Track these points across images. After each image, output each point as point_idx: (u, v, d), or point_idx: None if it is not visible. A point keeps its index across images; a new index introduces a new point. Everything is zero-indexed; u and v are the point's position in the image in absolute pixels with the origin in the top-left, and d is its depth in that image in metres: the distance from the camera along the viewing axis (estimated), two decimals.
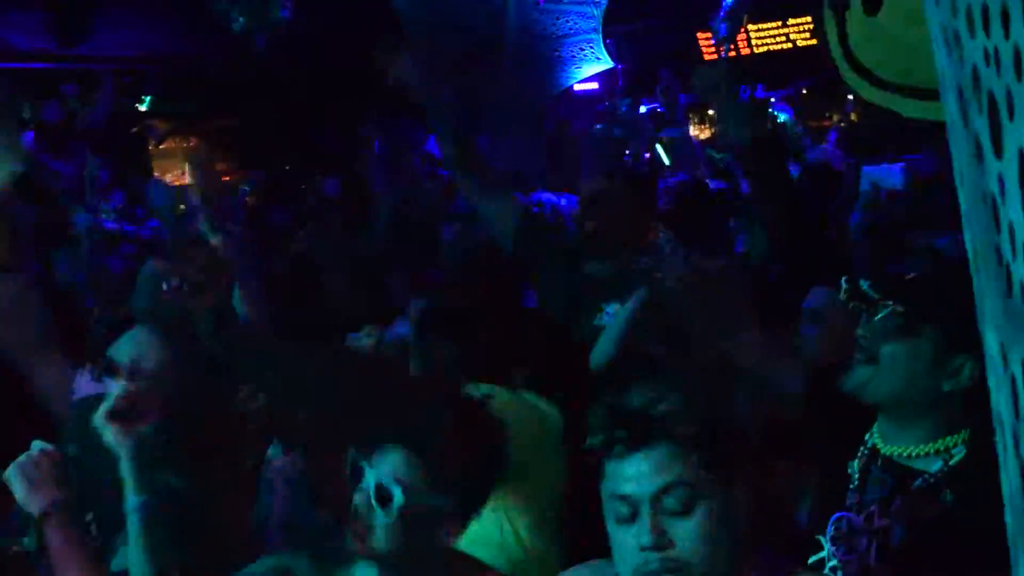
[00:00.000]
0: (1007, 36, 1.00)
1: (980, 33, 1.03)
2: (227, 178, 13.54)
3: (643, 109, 11.58)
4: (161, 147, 13.73)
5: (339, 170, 8.38)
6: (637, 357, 2.83)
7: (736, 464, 1.70)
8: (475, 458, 1.91)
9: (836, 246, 3.74)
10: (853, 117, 12.70)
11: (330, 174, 8.62)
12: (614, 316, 3.25)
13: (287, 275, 4.89)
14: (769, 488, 1.94)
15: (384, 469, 1.85)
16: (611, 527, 1.68)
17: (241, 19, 7.61)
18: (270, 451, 3.31)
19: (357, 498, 1.88)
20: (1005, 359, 1.08)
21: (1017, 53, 0.99)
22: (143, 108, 13.11)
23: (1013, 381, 1.07)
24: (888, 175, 5.03)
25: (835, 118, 13.66)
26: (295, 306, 4.52)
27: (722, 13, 10.26)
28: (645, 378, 2.75)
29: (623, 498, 1.63)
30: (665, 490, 1.59)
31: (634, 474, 1.62)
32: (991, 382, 1.17)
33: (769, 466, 2.36)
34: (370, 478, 1.86)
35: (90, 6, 10.97)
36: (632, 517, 1.60)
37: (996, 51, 1.02)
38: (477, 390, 2.31)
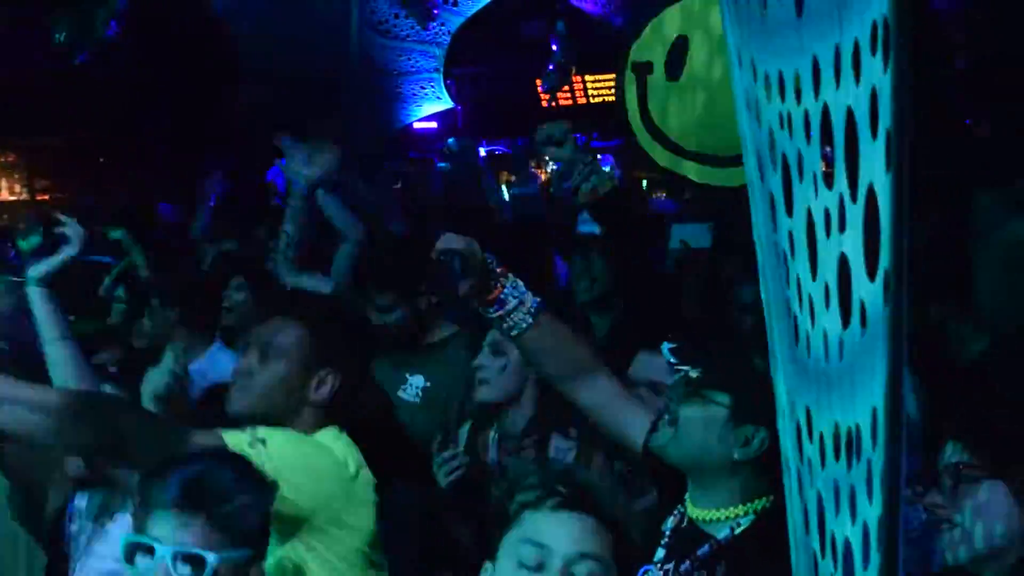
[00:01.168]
0: (799, 102, 1.08)
1: (776, 98, 1.11)
2: (45, 197, 12.96)
3: (483, 152, 11.76)
4: None
5: (174, 197, 8.13)
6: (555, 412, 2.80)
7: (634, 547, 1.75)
8: (240, 511, 1.83)
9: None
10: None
11: (165, 200, 8.35)
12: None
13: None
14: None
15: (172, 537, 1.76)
16: (508, 568, 1.67)
17: (62, 33, 7.31)
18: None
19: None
20: (791, 405, 1.15)
21: (807, 118, 1.06)
22: None
23: (798, 427, 1.13)
24: (699, 233, 5.21)
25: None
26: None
27: (551, 65, 10.59)
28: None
29: (539, 546, 1.62)
30: (582, 557, 1.61)
31: (559, 531, 1.63)
32: (780, 426, 1.23)
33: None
34: (165, 553, 1.75)
35: None
36: (539, 567, 1.61)
37: (789, 116, 1.09)
38: (254, 433, 2.24)
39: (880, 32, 0.96)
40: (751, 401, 2.01)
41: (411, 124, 11.04)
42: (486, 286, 2.22)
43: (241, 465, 1.96)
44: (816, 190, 1.05)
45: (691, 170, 4.23)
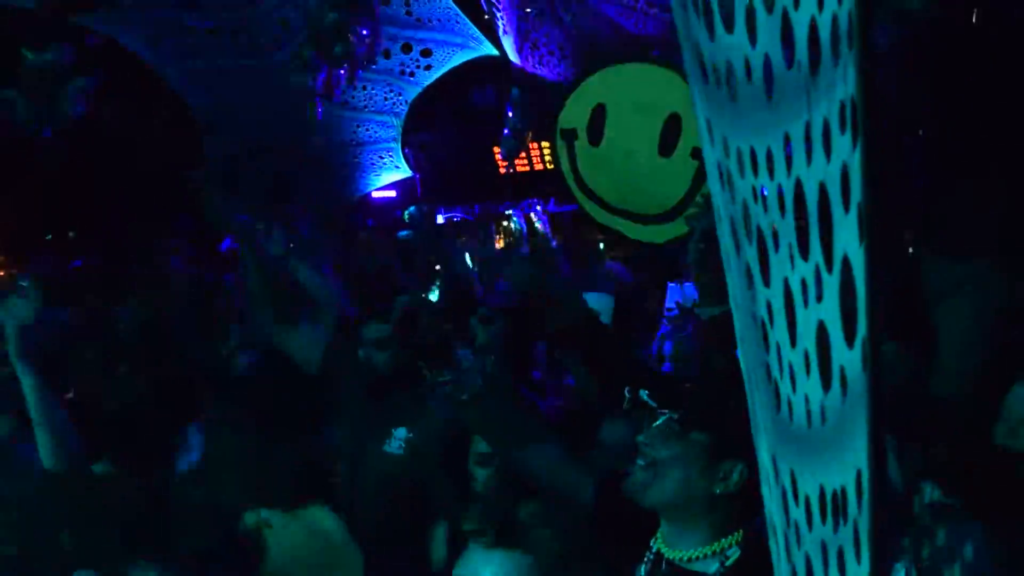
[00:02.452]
0: (772, 177, 1.12)
1: (749, 173, 1.15)
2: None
3: (440, 219, 11.83)
4: None
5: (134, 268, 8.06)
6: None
7: None
8: None
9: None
10: None
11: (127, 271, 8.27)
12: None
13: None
14: None
15: None
16: None
17: (30, 111, 7.32)
18: None
19: None
20: (776, 469, 1.18)
21: (780, 193, 1.11)
22: None
23: (783, 491, 1.16)
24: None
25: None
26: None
27: (506, 131, 10.75)
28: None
29: None
30: None
31: (494, 568, 1.68)
32: (764, 490, 1.26)
33: None
34: None
35: None
36: None
37: (762, 190, 1.14)
38: (255, 515, 2.27)
39: (848, 111, 1.01)
40: (729, 436, 2.07)
41: (370, 193, 11.10)
42: (441, 350, 2.28)
43: None
44: (792, 261, 1.09)
45: (623, 227, 4.45)
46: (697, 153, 4.23)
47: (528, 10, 9.23)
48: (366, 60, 7.59)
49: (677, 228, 4.21)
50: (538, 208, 8.92)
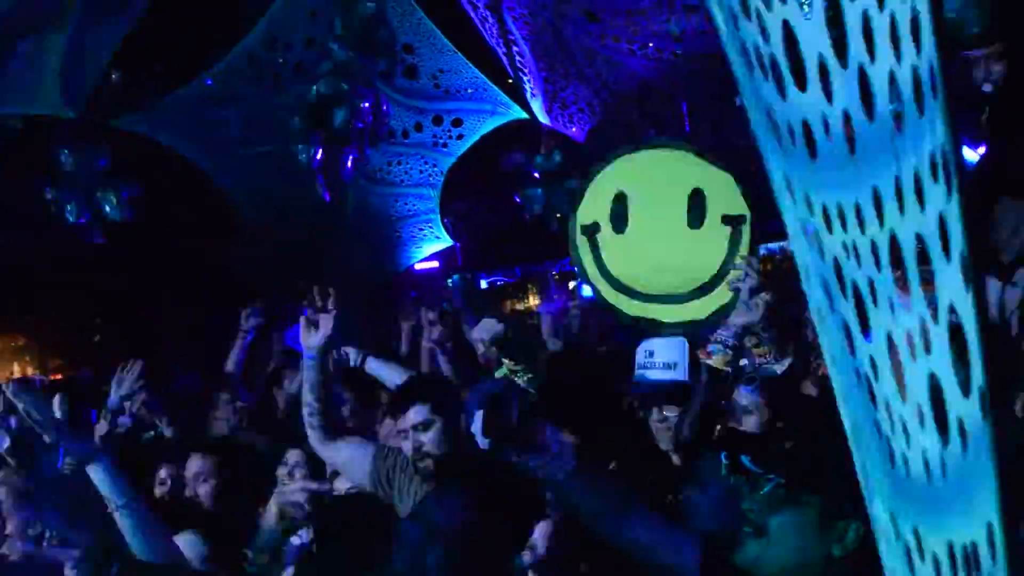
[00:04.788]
0: (863, 232, 1.11)
1: (839, 229, 1.14)
2: (58, 376, 12.98)
3: (484, 284, 11.91)
4: None
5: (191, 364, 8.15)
6: None
7: None
8: None
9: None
10: None
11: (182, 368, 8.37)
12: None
13: None
14: None
15: None
16: None
17: (81, 216, 7.52)
18: None
19: None
20: (896, 527, 1.15)
21: (874, 247, 1.10)
22: None
23: (907, 548, 1.13)
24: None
25: None
26: None
27: (532, 191, 10.80)
28: None
29: None
30: None
31: None
32: (882, 548, 1.23)
33: None
34: None
35: None
36: None
37: (855, 245, 1.13)
38: None
39: (940, 161, 1.01)
40: (840, 495, 2.00)
41: (413, 266, 11.19)
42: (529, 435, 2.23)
43: None
44: (894, 314, 1.08)
45: (659, 313, 4.37)
46: (728, 219, 4.19)
47: (554, 71, 9.35)
48: (375, 133, 7.66)
49: (720, 298, 4.16)
50: None
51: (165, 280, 11.66)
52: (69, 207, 7.64)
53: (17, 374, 13.65)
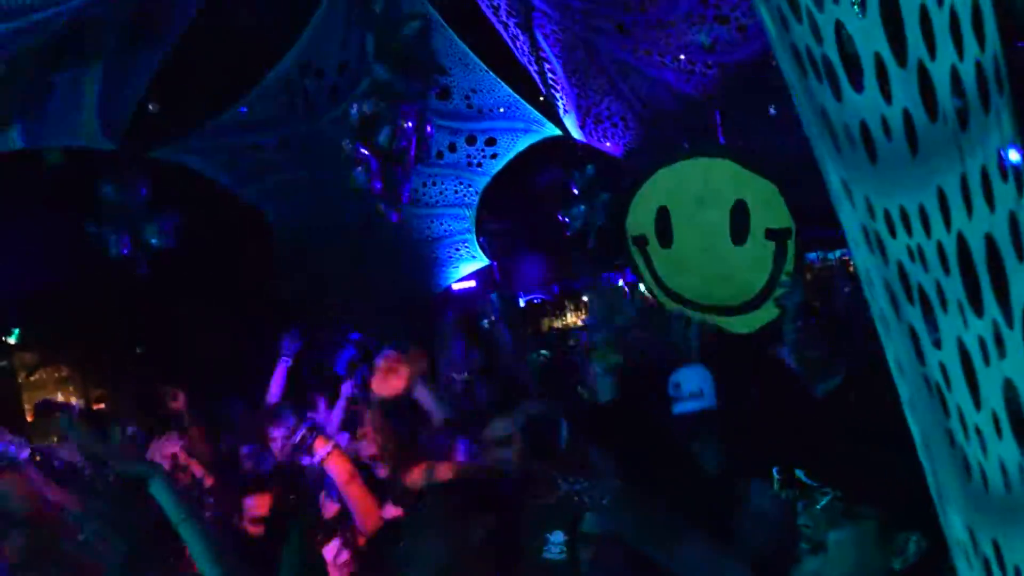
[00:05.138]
0: (928, 235, 1.08)
1: (902, 233, 1.10)
2: (101, 405, 13.13)
3: (522, 303, 11.90)
4: (32, 378, 13.36)
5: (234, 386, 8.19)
6: None
7: None
8: None
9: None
10: None
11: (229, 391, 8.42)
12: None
13: None
14: None
15: None
16: None
17: (123, 247, 7.59)
18: None
19: None
20: (974, 540, 1.11)
21: (941, 250, 1.06)
22: (11, 341, 12.76)
23: (986, 561, 1.09)
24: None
25: None
26: None
27: (575, 208, 10.77)
28: None
29: None
30: None
31: None
32: (960, 563, 1.19)
33: None
34: None
35: None
36: None
37: (920, 249, 1.09)
38: None
39: (1007, 158, 0.97)
40: (898, 507, 1.95)
41: (451, 286, 11.19)
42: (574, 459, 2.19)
43: None
44: (965, 319, 1.04)
45: (718, 323, 4.33)
46: (772, 234, 4.13)
47: (586, 86, 9.33)
48: (423, 152, 7.66)
49: (767, 313, 4.11)
50: (620, 282, 8.89)
51: (206, 307, 11.75)
52: (112, 239, 7.72)
53: (63, 403, 13.82)
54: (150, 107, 8.23)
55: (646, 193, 4.49)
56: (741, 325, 4.24)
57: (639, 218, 4.50)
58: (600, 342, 3.84)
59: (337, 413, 5.69)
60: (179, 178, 9.18)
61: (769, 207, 4.14)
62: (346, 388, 5.72)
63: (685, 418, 3.46)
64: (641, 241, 4.52)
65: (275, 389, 5.89)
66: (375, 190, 8.46)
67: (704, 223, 4.31)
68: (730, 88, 8.77)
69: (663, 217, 4.40)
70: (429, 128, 7.81)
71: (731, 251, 4.22)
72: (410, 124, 7.88)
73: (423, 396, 4.42)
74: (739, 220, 4.19)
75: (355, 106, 7.17)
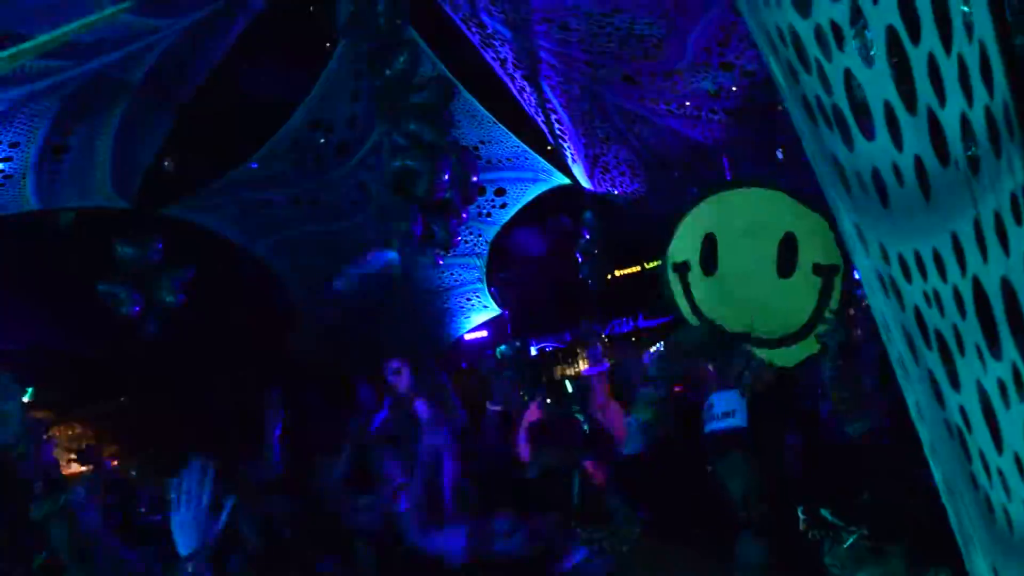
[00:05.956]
0: (944, 279, 1.08)
1: (917, 278, 1.11)
2: (115, 462, 13.08)
3: (534, 351, 11.86)
4: (45, 437, 13.34)
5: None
6: None
7: None
8: None
9: None
10: None
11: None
12: None
13: None
14: None
15: None
16: None
17: (134, 306, 7.63)
18: None
19: None
20: None
21: (957, 293, 1.06)
22: (25, 399, 12.75)
23: None
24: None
25: None
26: None
27: (579, 255, 10.79)
28: None
29: None
30: None
31: None
32: None
33: None
34: None
35: None
36: None
37: (936, 293, 1.09)
38: None
39: (1022, 201, 0.98)
40: (924, 541, 1.94)
41: (463, 336, 11.18)
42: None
43: None
44: (984, 363, 1.04)
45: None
46: (819, 269, 4.13)
47: (593, 135, 9.39)
48: (462, 202, 7.72)
49: (807, 348, 4.09)
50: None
51: (221, 366, 11.76)
52: (125, 297, 7.75)
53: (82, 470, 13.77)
54: (165, 163, 8.32)
55: (695, 219, 4.49)
56: (779, 358, 4.22)
57: (684, 244, 4.50)
58: (641, 398, 3.91)
59: None
60: (192, 235, 9.24)
61: (819, 242, 4.14)
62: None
63: (715, 435, 3.50)
64: (683, 267, 4.52)
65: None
66: (415, 235, 8.52)
67: (751, 253, 4.31)
68: (735, 133, 8.82)
69: (709, 244, 4.41)
70: (476, 177, 7.88)
71: (776, 283, 4.21)
72: (446, 175, 7.94)
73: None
74: (787, 253, 4.19)
75: (395, 162, 7.24)
